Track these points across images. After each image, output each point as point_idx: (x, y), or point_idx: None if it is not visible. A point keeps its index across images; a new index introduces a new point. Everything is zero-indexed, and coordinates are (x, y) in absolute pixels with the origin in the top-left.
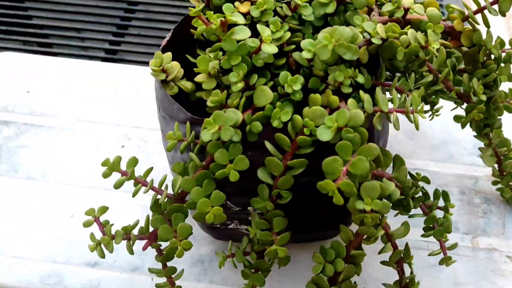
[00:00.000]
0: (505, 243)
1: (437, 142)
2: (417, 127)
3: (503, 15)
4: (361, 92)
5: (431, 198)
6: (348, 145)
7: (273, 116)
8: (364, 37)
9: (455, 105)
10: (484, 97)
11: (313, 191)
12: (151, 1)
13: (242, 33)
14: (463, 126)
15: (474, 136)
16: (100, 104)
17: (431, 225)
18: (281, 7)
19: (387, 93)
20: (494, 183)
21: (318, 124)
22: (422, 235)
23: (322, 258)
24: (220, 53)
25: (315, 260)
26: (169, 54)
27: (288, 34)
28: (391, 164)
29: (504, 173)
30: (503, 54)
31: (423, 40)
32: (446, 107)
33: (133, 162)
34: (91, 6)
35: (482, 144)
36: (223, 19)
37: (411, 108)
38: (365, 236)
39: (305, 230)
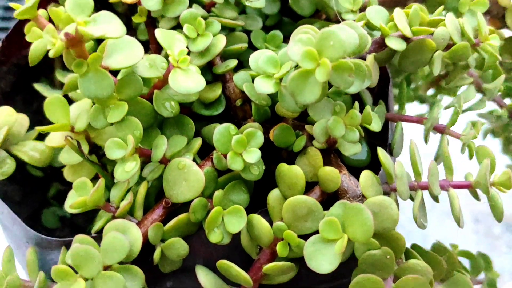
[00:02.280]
0: None
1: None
2: (499, 219)
3: None
4: (382, 157)
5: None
6: (375, 284)
7: (210, 224)
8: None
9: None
10: None
11: None
12: None
13: (126, 52)
14: (484, 136)
15: (500, 151)
16: None
17: None
18: None
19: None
20: None
21: (303, 232)
22: None
23: None
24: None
25: None
26: None
27: (222, 40)
28: None
29: None
30: None
31: (472, 33)
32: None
33: None
34: None
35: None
36: (72, 31)
37: (489, 178)
38: None
39: None
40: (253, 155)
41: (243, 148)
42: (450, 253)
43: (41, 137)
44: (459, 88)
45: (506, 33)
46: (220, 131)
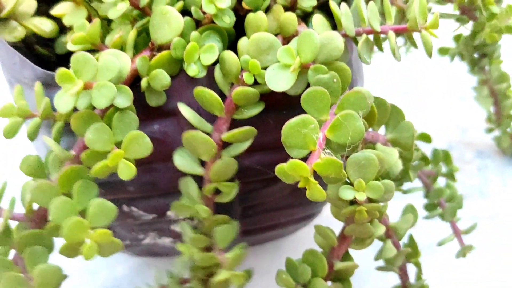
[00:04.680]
0: (509, 205)
1: (411, 87)
2: (429, 54)
3: None
4: (332, 4)
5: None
6: (322, 95)
7: (187, 57)
8: None
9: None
10: (496, 9)
11: (263, 174)
12: None
13: None
14: (452, 58)
15: (467, 72)
16: None
17: (436, 202)
18: None
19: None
20: (488, 130)
21: (266, 64)
22: (426, 217)
23: (292, 279)
24: None
25: (280, 283)
26: None
27: None
28: None
29: (501, 116)
30: None
31: None
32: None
33: None
34: None
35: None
36: None
37: (420, 19)
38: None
39: (254, 231)
40: (224, 2)
41: None
42: (398, 109)
43: None
44: None
45: None
46: None
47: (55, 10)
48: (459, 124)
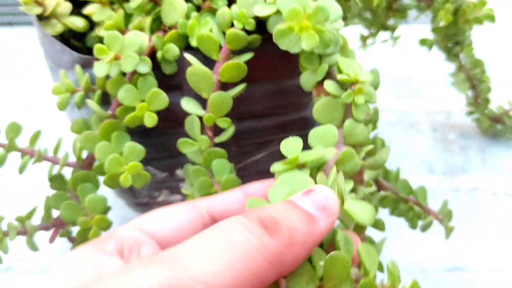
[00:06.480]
0: (488, 179)
1: (401, 77)
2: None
3: None
4: None
5: None
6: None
7: (190, 30)
8: None
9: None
10: None
11: (255, 138)
12: None
13: None
14: (430, 48)
15: (444, 59)
16: None
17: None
18: None
19: None
20: (469, 113)
21: (252, 15)
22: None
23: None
24: None
25: None
26: None
27: None
28: None
29: (479, 99)
30: None
31: None
32: (406, 36)
33: (14, 128)
34: None
35: (450, 73)
36: None
37: None
38: None
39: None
40: None
41: None
42: None
43: None
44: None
45: None
46: None
47: (86, 10)
48: (444, 109)
